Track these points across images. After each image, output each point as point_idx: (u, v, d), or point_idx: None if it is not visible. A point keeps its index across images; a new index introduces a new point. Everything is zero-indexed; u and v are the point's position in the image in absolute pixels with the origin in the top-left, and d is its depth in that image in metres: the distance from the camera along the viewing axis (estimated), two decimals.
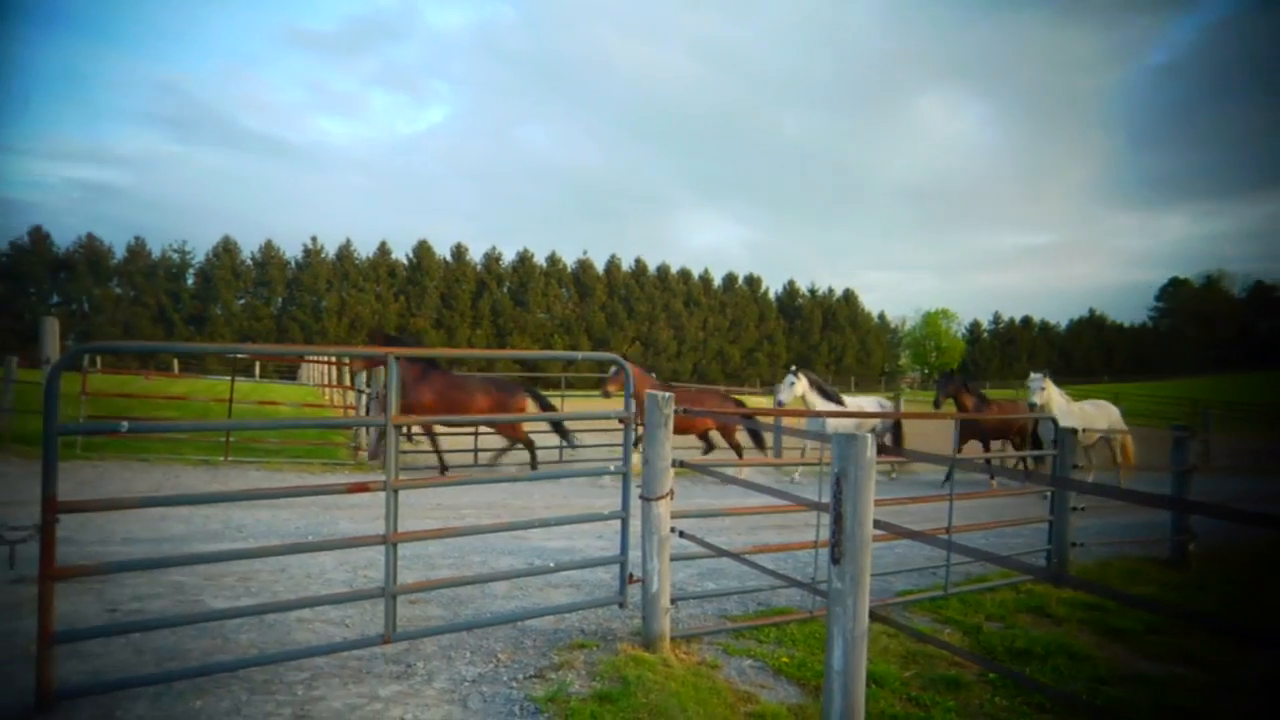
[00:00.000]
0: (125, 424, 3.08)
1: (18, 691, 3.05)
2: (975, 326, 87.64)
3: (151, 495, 3.92)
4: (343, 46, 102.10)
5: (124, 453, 10.48)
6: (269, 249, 60.32)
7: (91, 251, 55.01)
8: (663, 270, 72.45)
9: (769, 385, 15.41)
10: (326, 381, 22.52)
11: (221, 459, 10.49)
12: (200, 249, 59.37)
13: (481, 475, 10.41)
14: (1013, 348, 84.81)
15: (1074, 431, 6.74)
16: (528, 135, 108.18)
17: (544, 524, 4.23)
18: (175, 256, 58.44)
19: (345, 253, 62.42)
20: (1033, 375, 12.66)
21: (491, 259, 67.20)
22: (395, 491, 3.61)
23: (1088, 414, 12.96)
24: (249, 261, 59.88)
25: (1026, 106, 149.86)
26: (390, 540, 3.59)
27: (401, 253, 64.52)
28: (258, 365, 37.85)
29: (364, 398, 11.53)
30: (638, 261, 72.04)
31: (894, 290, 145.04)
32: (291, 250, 61.59)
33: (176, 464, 10.18)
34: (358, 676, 3.57)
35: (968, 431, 13.65)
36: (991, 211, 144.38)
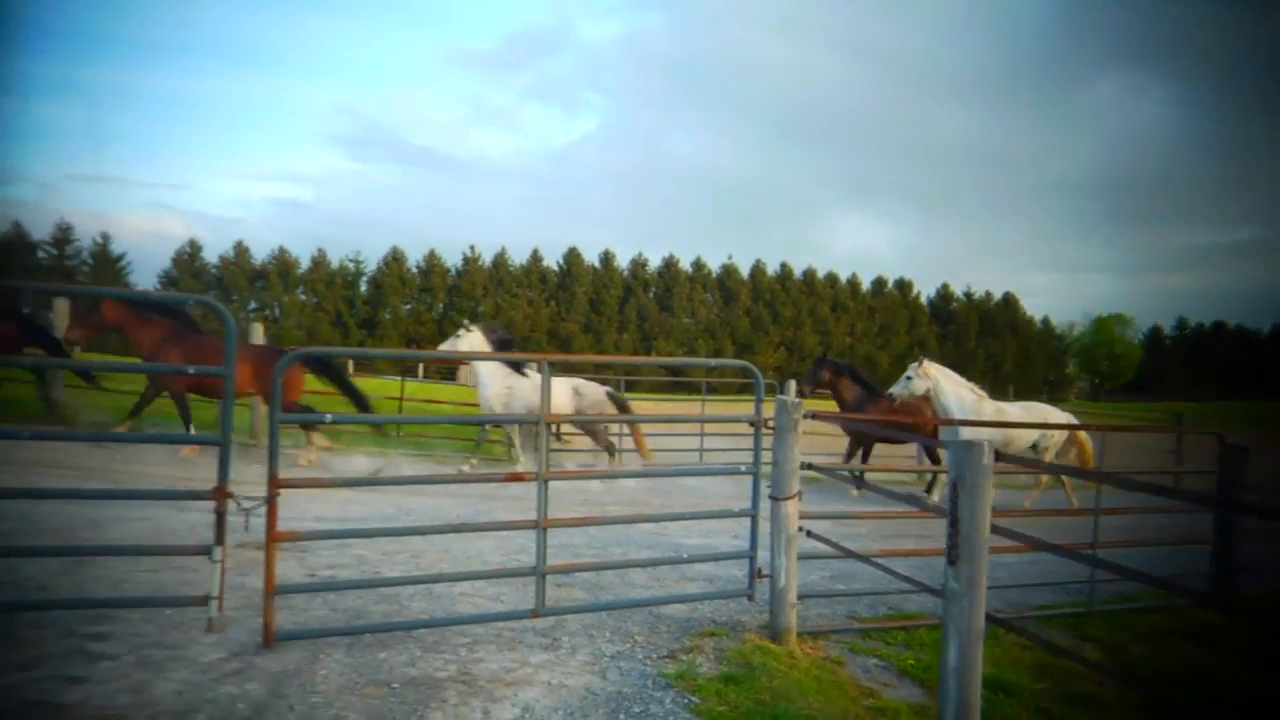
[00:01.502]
0: (329, 416, 3.69)
1: (249, 632, 3.72)
2: (1155, 332, 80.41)
3: (346, 477, 4.57)
4: (501, 63, 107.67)
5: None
6: (432, 258, 64.56)
7: (282, 263, 61.05)
8: (808, 274, 71.37)
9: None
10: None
11: (392, 451, 11.59)
12: (372, 258, 64.43)
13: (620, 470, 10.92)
14: (1200, 356, 77.02)
15: (1244, 450, 6.31)
16: (674, 141, 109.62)
17: (677, 517, 4.57)
18: (351, 266, 63.75)
19: (500, 260, 65.74)
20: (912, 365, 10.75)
21: (638, 264, 68.65)
22: (545, 482, 4.06)
23: (1007, 415, 10.52)
24: (414, 270, 64.34)
25: (1225, 88, 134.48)
26: (541, 525, 4.04)
27: (552, 259, 67.22)
28: (421, 367, 40.69)
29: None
30: (783, 266, 71.38)
31: (1061, 293, 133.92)
32: (452, 259, 65.65)
33: (355, 454, 11.32)
34: (511, 645, 4.04)
35: (857, 435, 11.22)
36: (1180, 205, 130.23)
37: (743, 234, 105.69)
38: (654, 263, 69.06)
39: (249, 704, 3.17)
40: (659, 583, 5.44)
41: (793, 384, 12.93)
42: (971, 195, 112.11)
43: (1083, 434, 10.51)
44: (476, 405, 15.28)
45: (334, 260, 63.11)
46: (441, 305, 64.32)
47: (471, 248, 65.83)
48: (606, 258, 68.21)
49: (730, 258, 70.75)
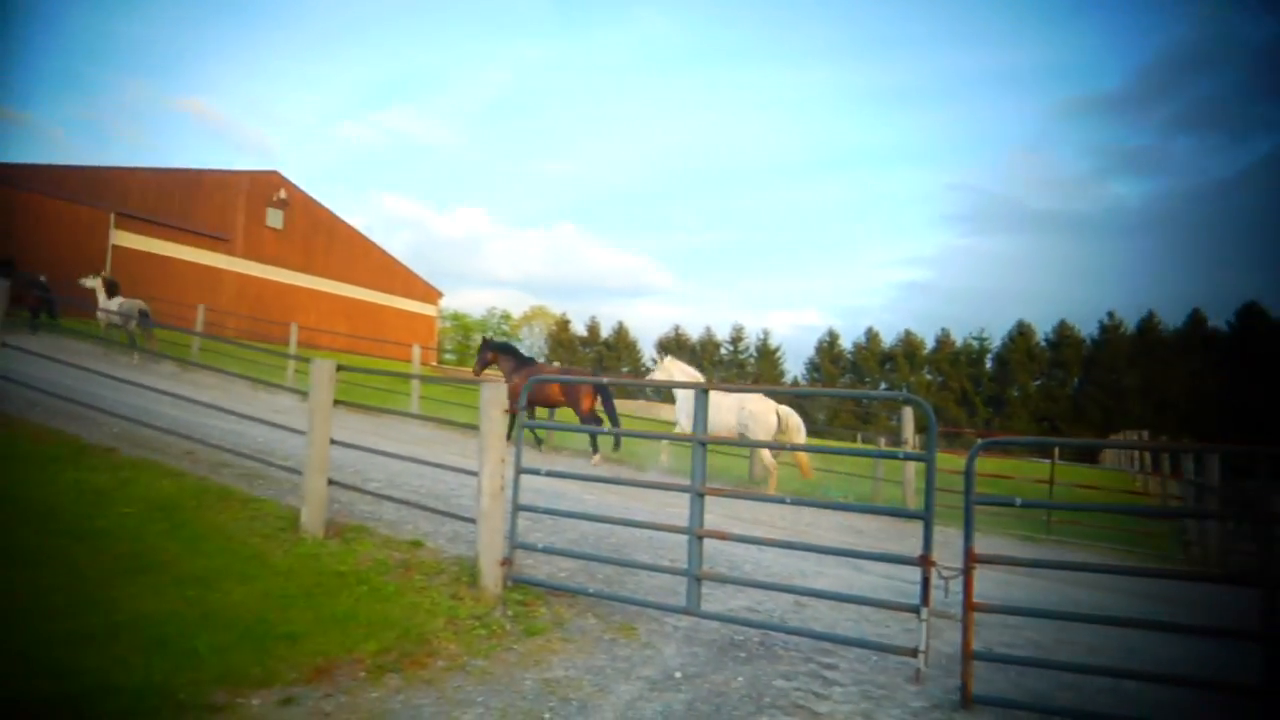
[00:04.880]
0: (1018, 499, 3.99)
1: (944, 689, 4.19)
2: None
3: (1036, 559, 4.76)
4: (1133, 100, 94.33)
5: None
6: (1063, 328, 60.05)
7: (909, 344, 64.31)
8: None
9: None
10: (1137, 467, 21.25)
11: (1042, 536, 11.18)
12: (996, 334, 62.98)
13: None
14: None
15: None
16: None
17: None
18: (975, 343, 63.39)
19: (1148, 325, 57.53)
20: None
21: None
22: None
23: (720, 404, 11.84)
24: (1043, 343, 60.65)
25: None
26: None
27: (1221, 319, 55.91)
28: (1056, 449, 37.99)
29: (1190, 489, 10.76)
30: None
31: None
32: (1087, 327, 60.04)
33: (998, 537, 11.23)
34: None
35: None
36: None
37: None
38: None
39: None
40: None
41: None
42: None
43: (795, 428, 11.86)
44: (1134, 493, 13.74)
45: (958, 338, 63.74)
46: (1076, 380, 59.01)
47: (1110, 314, 59.30)
48: None
49: None
